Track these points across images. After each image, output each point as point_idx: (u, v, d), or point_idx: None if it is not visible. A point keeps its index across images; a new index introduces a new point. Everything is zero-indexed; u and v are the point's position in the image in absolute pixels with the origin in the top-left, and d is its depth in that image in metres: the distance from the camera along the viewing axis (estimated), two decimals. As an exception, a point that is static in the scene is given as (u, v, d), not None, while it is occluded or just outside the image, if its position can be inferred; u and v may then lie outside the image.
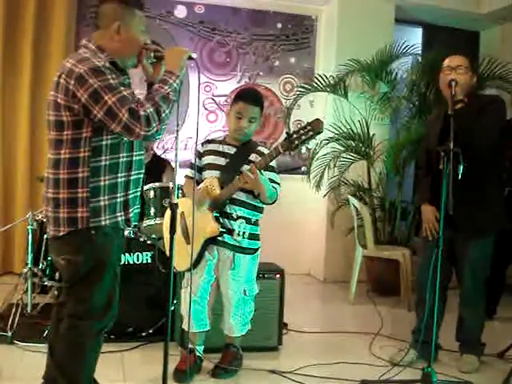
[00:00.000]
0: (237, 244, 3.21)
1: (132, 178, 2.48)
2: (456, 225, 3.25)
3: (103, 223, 2.39)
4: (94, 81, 2.24)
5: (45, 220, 4.08)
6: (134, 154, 2.47)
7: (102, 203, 2.38)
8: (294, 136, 2.89)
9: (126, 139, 2.39)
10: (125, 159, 2.43)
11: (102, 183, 2.37)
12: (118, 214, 2.44)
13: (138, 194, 2.57)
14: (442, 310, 3.58)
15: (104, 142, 2.36)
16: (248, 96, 3.26)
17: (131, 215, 2.51)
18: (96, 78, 2.25)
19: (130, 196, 2.49)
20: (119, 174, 2.42)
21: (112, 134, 2.35)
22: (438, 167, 3.32)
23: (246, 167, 3.14)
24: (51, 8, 5.43)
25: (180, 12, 5.98)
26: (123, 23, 2.40)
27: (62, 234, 2.37)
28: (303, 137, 2.88)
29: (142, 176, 2.57)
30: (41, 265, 4.11)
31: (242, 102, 3.21)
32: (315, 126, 2.87)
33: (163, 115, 2.33)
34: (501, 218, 3.54)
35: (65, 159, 2.34)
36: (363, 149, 5.71)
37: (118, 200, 2.43)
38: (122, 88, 2.30)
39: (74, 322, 2.43)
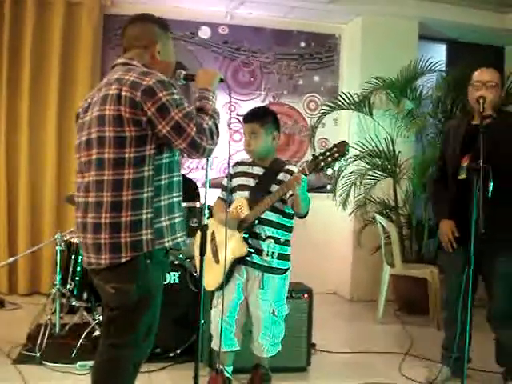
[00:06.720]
0: (266, 264, 3.19)
1: (180, 198, 2.41)
2: (483, 239, 3.04)
3: (167, 244, 2.28)
4: (162, 94, 2.17)
5: (73, 241, 4.12)
6: (180, 173, 2.41)
7: (163, 224, 2.27)
8: (320, 158, 2.89)
9: (177, 158, 2.33)
10: (176, 179, 2.35)
11: (163, 203, 2.27)
12: (179, 235, 2.35)
13: None
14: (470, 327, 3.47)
15: (164, 161, 2.27)
16: (246, 115, 3.33)
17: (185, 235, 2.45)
18: (165, 91, 2.18)
19: (182, 217, 2.41)
20: (174, 194, 2.33)
21: (169, 152, 2.28)
22: (456, 178, 3.34)
23: (274, 187, 3.14)
24: (78, 32, 5.55)
25: (204, 33, 6.04)
26: (163, 45, 2.40)
27: (124, 260, 2.20)
28: (329, 159, 2.87)
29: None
30: (68, 285, 4.12)
31: (243, 123, 3.31)
32: (340, 148, 2.86)
33: (219, 128, 2.31)
34: None
35: (129, 180, 2.20)
36: (389, 166, 5.67)
37: (176, 220, 2.34)
38: (186, 104, 2.25)
39: (116, 351, 2.29)
